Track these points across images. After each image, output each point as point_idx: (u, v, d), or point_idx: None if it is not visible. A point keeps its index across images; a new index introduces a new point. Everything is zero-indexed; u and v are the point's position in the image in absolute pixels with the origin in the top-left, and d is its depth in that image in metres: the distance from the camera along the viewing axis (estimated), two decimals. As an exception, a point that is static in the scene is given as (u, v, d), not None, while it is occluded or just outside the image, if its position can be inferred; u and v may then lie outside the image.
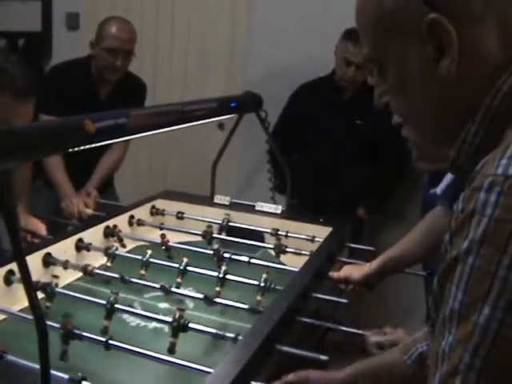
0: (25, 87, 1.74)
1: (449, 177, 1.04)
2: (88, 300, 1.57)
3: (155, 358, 1.27)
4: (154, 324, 1.58)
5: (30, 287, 0.98)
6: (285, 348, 1.34)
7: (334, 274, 1.81)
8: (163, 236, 2.03)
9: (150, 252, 1.84)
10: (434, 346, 0.67)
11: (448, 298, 0.63)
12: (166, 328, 1.55)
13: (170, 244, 2.01)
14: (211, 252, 1.94)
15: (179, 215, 2.34)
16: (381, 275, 1.76)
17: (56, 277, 1.66)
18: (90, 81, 2.57)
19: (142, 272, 1.81)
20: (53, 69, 2.76)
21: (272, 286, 1.65)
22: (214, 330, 1.39)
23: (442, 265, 0.67)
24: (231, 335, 1.37)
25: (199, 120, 1.79)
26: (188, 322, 1.38)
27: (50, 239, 1.90)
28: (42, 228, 2.10)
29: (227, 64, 3.47)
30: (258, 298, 1.64)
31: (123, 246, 2.06)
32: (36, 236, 2.07)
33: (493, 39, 0.69)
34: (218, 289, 1.70)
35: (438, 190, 1.04)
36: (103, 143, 1.30)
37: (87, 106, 1.41)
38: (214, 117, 1.91)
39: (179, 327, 1.37)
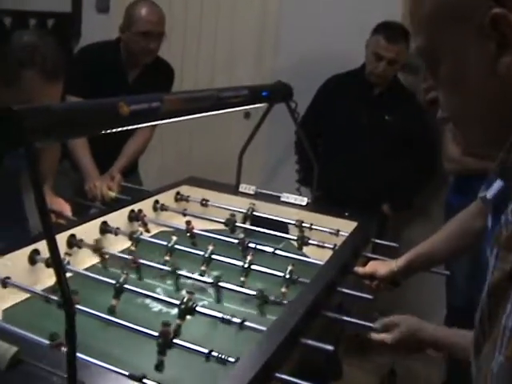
0: (55, 68, 1.73)
1: (498, 184, 1.01)
2: (98, 279, 1.59)
3: (178, 345, 1.26)
4: (176, 310, 1.57)
5: (60, 268, 0.97)
6: (309, 341, 1.32)
7: (359, 270, 1.78)
8: (188, 223, 2.02)
9: (175, 238, 1.83)
10: (481, 362, 0.65)
11: (502, 314, 0.62)
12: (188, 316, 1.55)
13: (195, 231, 2.01)
14: (236, 241, 1.92)
15: (203, 202, 2.34)
16: (407, 272, 1.73)
17: (69, 254, 1.66)
18: (118, 64, 2.56)
19: (167, 258, 1.80)
20: (82, 50, 2.75)
21: (297, 278, 1.64)
22: (219, 315, 1.39)
23: (493, 278, 0.65)
24: (237, 320, 1.36)
25: (231, 107, 1.77)
26: (195, 305, 1.39)
27: (75, 221, 1.89)
28: (67, 209, 2.10)
29: (256, 53, 3.43)
30: (283, 289, 1.62)
31: (147, 230, 2.05)
32: (61, 217, 2.07)
33: None
34: (242, 279, 1.69)
35: (489, 194, 1.01)
36: (135, 127, 1.28)
37: (114, 89, 1.40)
38: (245, 105, 1.89)
39: (186, 310, 1.38)
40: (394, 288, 1.78)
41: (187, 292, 1.44)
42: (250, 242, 1.90)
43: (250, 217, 2.24)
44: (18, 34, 1.81)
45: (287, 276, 1.64)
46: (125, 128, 1.26)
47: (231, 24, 3.48)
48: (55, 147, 2.30)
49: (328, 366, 2.62)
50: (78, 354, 1.16)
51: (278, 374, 1.17)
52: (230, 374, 1.11)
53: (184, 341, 1.26)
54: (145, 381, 1.12)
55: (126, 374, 1.12)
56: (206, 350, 1.22)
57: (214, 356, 1.21)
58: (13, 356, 1.05)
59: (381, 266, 1.76)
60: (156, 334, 1.26)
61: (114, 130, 1.25)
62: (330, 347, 1.28)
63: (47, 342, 1.20)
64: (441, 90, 0.76)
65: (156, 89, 1.85)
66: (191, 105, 1.50)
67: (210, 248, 1.77)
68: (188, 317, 1.40)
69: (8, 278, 1.51)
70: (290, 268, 1.66)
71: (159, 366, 1.24)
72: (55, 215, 2.06)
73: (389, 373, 2.52)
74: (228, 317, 1.37)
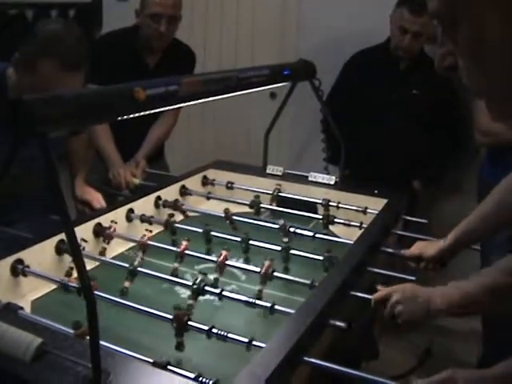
0: (76, 59, 1.73)
1: None
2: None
3: (203, 330, 1.24)
4: (206, 296, 1.56)
5: (79, 259, 0.96)
6: (338, 323, 1.29)
7: (406, 252, 1.73)
8: (227, 211, 2.01)
9: (208, 225, 1.82)
10: None
11: None
12: (217, 300, 1.54)
13: (234, 218, 1.99)
14: (277, 226, 1.89)
15: (229, 185, 2.31)
16: (455, 251, 1.67)
17: (85, 241, 1.67)
18: (137, 51, 2.53)
19: (207, 247, 1.80)
20: (100, 39, 2.74)
21: (334, 261, 1.61)
22: (243, 297, 1.38)
23: None
24: (267, 304, 1.35)
25: (252, 88, 1.74)
26: (204, 285, 1.41)
27: (100, 210, 1.89)
28: (99, 199, 2.10)
29: (279, 31, 3.39)
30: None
31: (186, 216, 2.06)
32: (93, 208, 2.08)
33: None
34: (283, 264, 1.67)
35: None
36: (152, 111, 1.26)
37: (136, 76, 1.37)
38: (267, 85, 1.85)
39: (198, 290, 1.41)
40: (441, 268, 1.72)
41: (200, 273, 1.45)
42: (291, 226, 1.87)
43: (275, 198, 2.21)
44: (42, 23, 1.81)
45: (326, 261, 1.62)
46: (142, 113, 1.23)
47: (253, 2, 3.43)
48: (83, 137, 2.31)
49: (363, 347, 2.60)
50: (103, 343, 1.17)
51: (306, 358, 1.15)
52: (257, 359, 1.08)
53: (198, 323, 1.25)
54: (169, 367, 1.11)
55: (151, 361, 1.11)
56: (224, 333, 1.21)
57: (237, 340, 1.20)
58: (38, 347, 1.05)
59: (428, 247, 1.70)
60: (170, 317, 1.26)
61: (131, 116, 1.23)
62: (342, 324, 1.27)
63: (73, 331, 1.19)
64: (460, 57, 0.70)
65: (177, 73, 1.82)
66: (210, 87, 1.47)
67: (246, 234, 1.75)
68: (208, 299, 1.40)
69: (27, 267, 1.51)
70: (327, 255, 1.63)
71: (179, 346, 1.26)
72: (88, 207, 2.07)
73: (424, 352, 2.47)
74: (252, 300, 1.37)
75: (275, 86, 1.96)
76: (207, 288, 1.42)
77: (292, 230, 1.85)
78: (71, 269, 1.59)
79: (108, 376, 0.99)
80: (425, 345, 2.62)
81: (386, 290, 1.44)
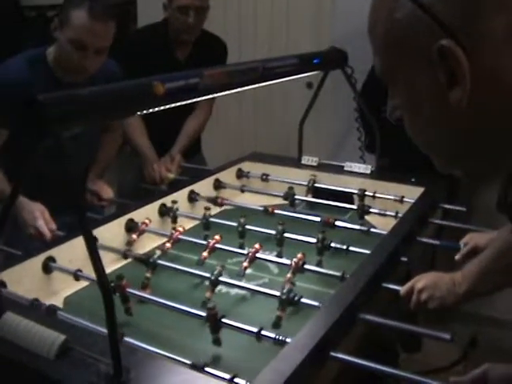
0: (103, 10, 1.81)
1: None
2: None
3: (231, 325, 1.23)
4: (236, 290, 1.55)
5: (96, 258, 0.95)
6: (368, 317, 1.25)
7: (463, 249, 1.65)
8: (269, 208, 1.99)
9: (243, 219, 1.81)
10: None
11: None
12: (249, 294, 1.52)
13: (276, 211, 1.97)
14: (318, 219, 1.86)
15: (264, 177, 2.29)
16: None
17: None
18: (167, 45, 2.52)
19: (241, 241, 1.79)
20: (131, 35, 2.74)
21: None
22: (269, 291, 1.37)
23: None
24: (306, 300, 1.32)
25: (280, 78, 1.71)
26: (219, 276, 1.42)
27: (133, 204, 1.89)
28: (107, 191, 2.11)
29: (314, 19, 3.33)
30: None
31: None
32: (102, 199, 2.10)
33: None
34: (318, 258, 1.65)
35: None
36: (173, 105, 1.25)
37: (167, 70, 1.37)
38: (297, 74, 1.81)
39: (215, 281, 1.42)
40: None
41: (219, 266, 1.45)
42: (336, 219, 1.84)
43: (311, 189, 2.18)
44: None
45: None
46: (162, 107, 1.22)
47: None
48: (116, 135, 2.32)
49: (405, 339, 2.54)
50: (130, 339, 1.17)
51: (333, 353, 1.12)
52: (280, 354, 1.06)
53: (233, 320, 1.23)
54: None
55: (177, 359, 1.10)
56: (255, 329, 1.19)
57: (265, 335, 1.18)
58: (61, 344, 1.05)
59: (480, 239, 1.63)
60: (204, 314, 1.24)
61: (162, 110, 1.22)
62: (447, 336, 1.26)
63: (100, 329, 1.19)
64: (401, 111, 0.73)
65: (209, 65, 1.81)
66: (234, 78, 1.45)
67: (280, 227, 1.73)
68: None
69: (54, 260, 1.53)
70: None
71: (216, 342, 1.24)
72: (96, 197, 2.09)
73: (469, 343, 2.40)
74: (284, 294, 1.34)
75: (305, 75, 1.92)
76: (222, 279, 1.43)
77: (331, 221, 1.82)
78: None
79: (128, 373, 0.99)
80: (470, 335, 2.56)
81: (412, 282, 1.40)
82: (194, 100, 1.30)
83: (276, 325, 1.30)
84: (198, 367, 1.09)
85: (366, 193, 2.05)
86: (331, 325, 1.16)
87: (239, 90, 1.49)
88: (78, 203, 0.96)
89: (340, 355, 1.12)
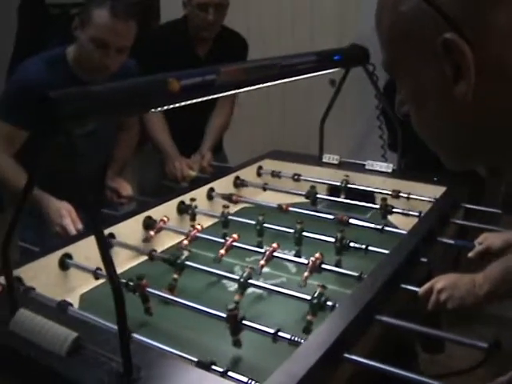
0: (125, 8, 1.82)
1: None
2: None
3: (244, 325, 1.21)
4: (252, 289, 1.53)
5: (107, 256, 0.95)
6: (385, 318, 1.23)
7: (478, 249, 1.60)
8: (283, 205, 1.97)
9: (261, 217, 1.79)
10: None
11: None
12: (265, 293, 1.51)
13: (291, 209, 1.95)
14: (332, 217, 1.85)
15: (285, 175, 2.28)
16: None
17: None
18: (187, 42, 2.51)
19: (259, 239, 1.78)
20: (153, 31, 2.74)
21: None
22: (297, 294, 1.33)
23: None
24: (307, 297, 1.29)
25: (299, 75, 1.69)
26: (249, 278, 1.39)
27: (151, 202, 1.89)
28: (126, 188, 2.12)
29: (338, 14, 3.31)
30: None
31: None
32: (121, 196, 2.10)
33: None
34: (337, 257, 1.62)
35: None
36: (189, 102, 1.24)
37: (187, 67, 1.36)
38: (316, 71, 1.79)
39: (244, 284, 1.39)
40: None
41: (248, 267, 1.42)
42: (350, 217, 1.82)
43: (343, 189, 2.15)
44: None
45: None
46: (177, 105, 1.21)
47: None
48: (132, 133, 2.32)
49: (426, 340, 2.50)
50: (143, 338, 1.16)
51: (347, 355, 1.10)
52: (293, 356, 1.04)
53: (253, 322, 1.21)
54: (214, 367, 1.08)
55: (190, 358, 1.09)
56: (272, 330, 1.17)
57: (280, 336, 1.16)
58: (73, 341, 1.05)
59: (495, 238, 1.60)
60: (224, 315, 1.22)
61: (166, 107, 1.21)
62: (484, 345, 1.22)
63: (114, 326, 1.19)
64: (408, 105, 0.72)
65: (229, 61, 1.80)
66: (251, 75, 1.44)
67: (299, 226, 1.71)
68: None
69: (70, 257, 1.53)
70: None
71: (236, 343, 1.22)
72: (115, 194, 2.10)
73: (492, 345, 2.36)
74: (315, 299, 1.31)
75: (326, 72, 1.89)
76: (252, 281, 1.39)
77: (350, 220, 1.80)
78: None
79: (139, 371, 0.98)
80: (493, 338, 2.50)
81: (431, 282, 1.37)
82: (211, 97, 1.29)
83: (307, 330, 1.27)
84: (205, 365, 1.07)
85: (388, 192, 2.02)
86: (346, 326, 1.14)
87: (257, 87, 1.48)
88: (89, 202, 0.95)
89: (354, 357, 1.09)
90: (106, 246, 0.95)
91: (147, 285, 1.37)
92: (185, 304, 1.32)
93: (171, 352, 1.13)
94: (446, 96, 0.63)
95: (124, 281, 1.37)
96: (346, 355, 1.09)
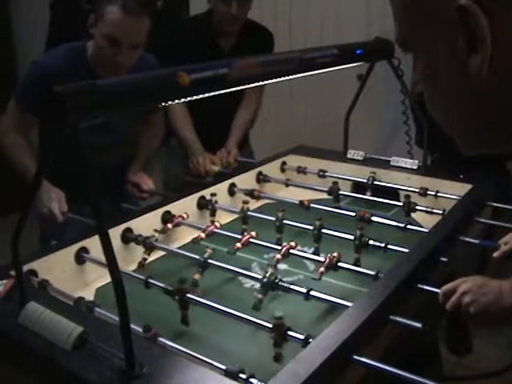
0: (137, 5, 1.81)
1: None
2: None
3: (258, 324, 1.19)
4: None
5: (110, 253, 0.94)
6: (398, 319, 1.20)
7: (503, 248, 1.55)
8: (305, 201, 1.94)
9: (281, 214, 1.76)
10: None
11: None
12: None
13: (312, 205, 1.92)
14: (353, 214, 1.82)
15: (309, 171, 2.25)
16: None
17: (157, 231, 1.67)
18: (211, 36, 2.50)
19: (278, 236, 1.75)
20: (175, 26, 2.73)
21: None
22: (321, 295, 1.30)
23: None
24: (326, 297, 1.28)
25: (320, 69, 1.65)
26: (278, 280, 1.33)
27: (172, 196, 1.88)
28: (147, 182, 2.11)
29: (365, 8, 3.26)
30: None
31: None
32: (143, 190, 2.10)
33: None
34: (356, 255, 1.59)
35: None
36: (199, 96, 1.22)
37: (211, 60, 1.35)
38: (338, 65, 1.75)
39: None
40: None
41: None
42: (372, 215, 1.78)
43: (369, 187, 2.10)
44: None
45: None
46: (188, 99, 1.20)
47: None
48: (157, 129, 2.32)
49: (452, 341, 2.45)
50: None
51: (356, 357, 1.07)
52: (299, 356, 1.02)
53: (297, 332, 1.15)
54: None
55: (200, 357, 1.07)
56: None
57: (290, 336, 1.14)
58: (78, 336, 1.05)
59: None
60: (270, 325, 1.16)
61: (176, 101, 1.20)
62: (418, 324, 1.15)
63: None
64: (421, 83, 0.67)
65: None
66: (268, 69, 1.41)
67: (318, 223, 1.68)
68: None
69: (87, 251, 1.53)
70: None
71: (277, 359, 1.15)
72: (136, 189, 2.10)
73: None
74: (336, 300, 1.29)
75: (351, 66, 1.85)
76: (281, 284, 1.34)
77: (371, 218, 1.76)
78: (144, 260, 1.60)
79: (141, 368, 0.97)
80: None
81: (455, 282, 1.32)
82: (223, 91, 1.27)
83: (256, 307, 1.28)
84: (232, 374, 1.04)
85: (413, 189, 1.98)
86: (357, 327, 1.11)
87: (274, 81, 1.45)
88: (92, 194, 0.95)
89: (363, 359, 1.06)
90: (107, 239, 0.94)
91: (188, 290, 1.31)
92: (212, 306, 1.28)
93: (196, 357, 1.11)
94: (459, 72, 0.58)
95: (162, 285, 1.35)
96: (356, 357, 1.06)
